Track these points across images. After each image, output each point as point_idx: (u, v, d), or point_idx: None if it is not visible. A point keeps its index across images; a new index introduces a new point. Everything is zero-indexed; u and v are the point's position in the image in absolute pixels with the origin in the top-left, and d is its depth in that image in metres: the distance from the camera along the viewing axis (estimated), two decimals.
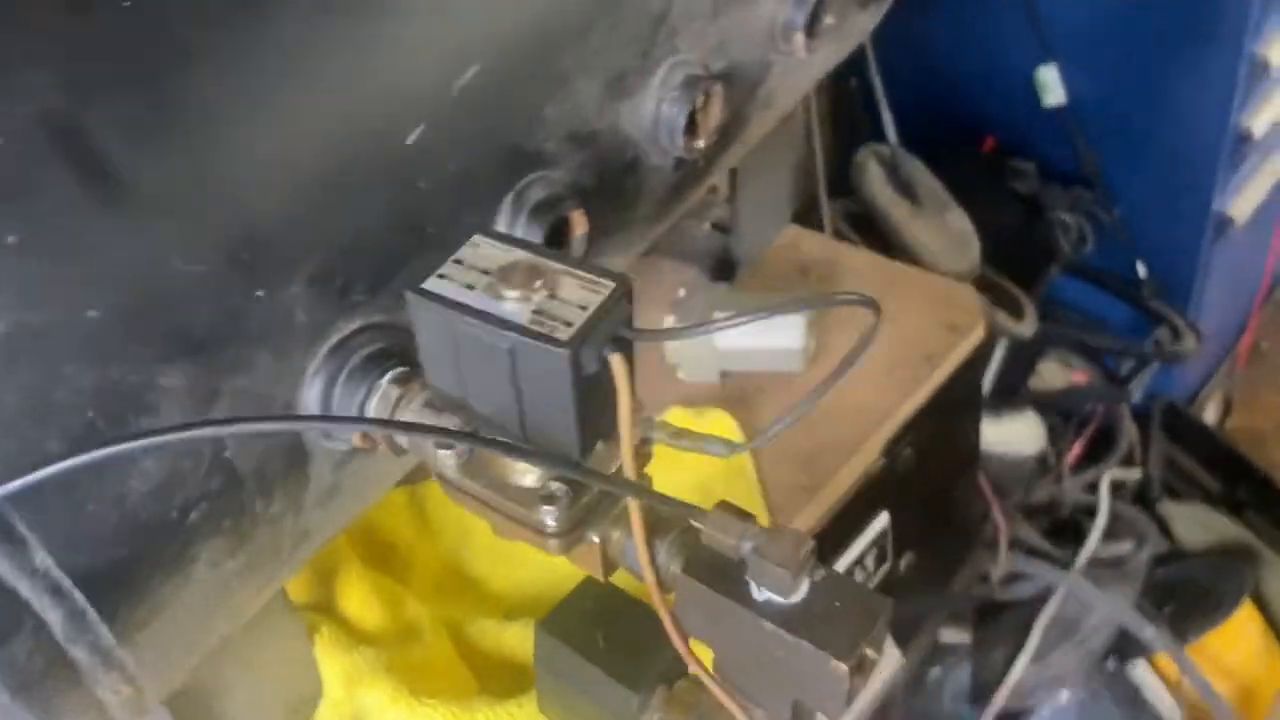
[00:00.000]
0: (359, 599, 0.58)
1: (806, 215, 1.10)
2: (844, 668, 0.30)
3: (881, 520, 0.70)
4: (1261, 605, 1.48)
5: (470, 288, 0.31)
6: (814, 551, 0.32)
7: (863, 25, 0.63)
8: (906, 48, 1.06)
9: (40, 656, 0.34)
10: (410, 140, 0.41)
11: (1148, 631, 1.36)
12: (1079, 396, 1.53)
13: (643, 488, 0.32)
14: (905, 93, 1.15)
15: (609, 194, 0.50)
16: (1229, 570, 1.45)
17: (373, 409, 0.38)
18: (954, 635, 1.25)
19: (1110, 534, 1.47)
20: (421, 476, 0.65)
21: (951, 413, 0.73)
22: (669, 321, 0.70)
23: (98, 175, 0.34)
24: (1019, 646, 1.38)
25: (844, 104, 1.23)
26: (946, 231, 1.01)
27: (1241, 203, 1.47)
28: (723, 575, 0.33)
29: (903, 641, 0.84)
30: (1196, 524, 1.57)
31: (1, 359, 0.31)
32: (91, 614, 0.34)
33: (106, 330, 0.33)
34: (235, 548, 0.39)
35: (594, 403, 0.31)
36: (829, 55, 0.61)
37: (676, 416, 0.65)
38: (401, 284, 0.41)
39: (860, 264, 0.78)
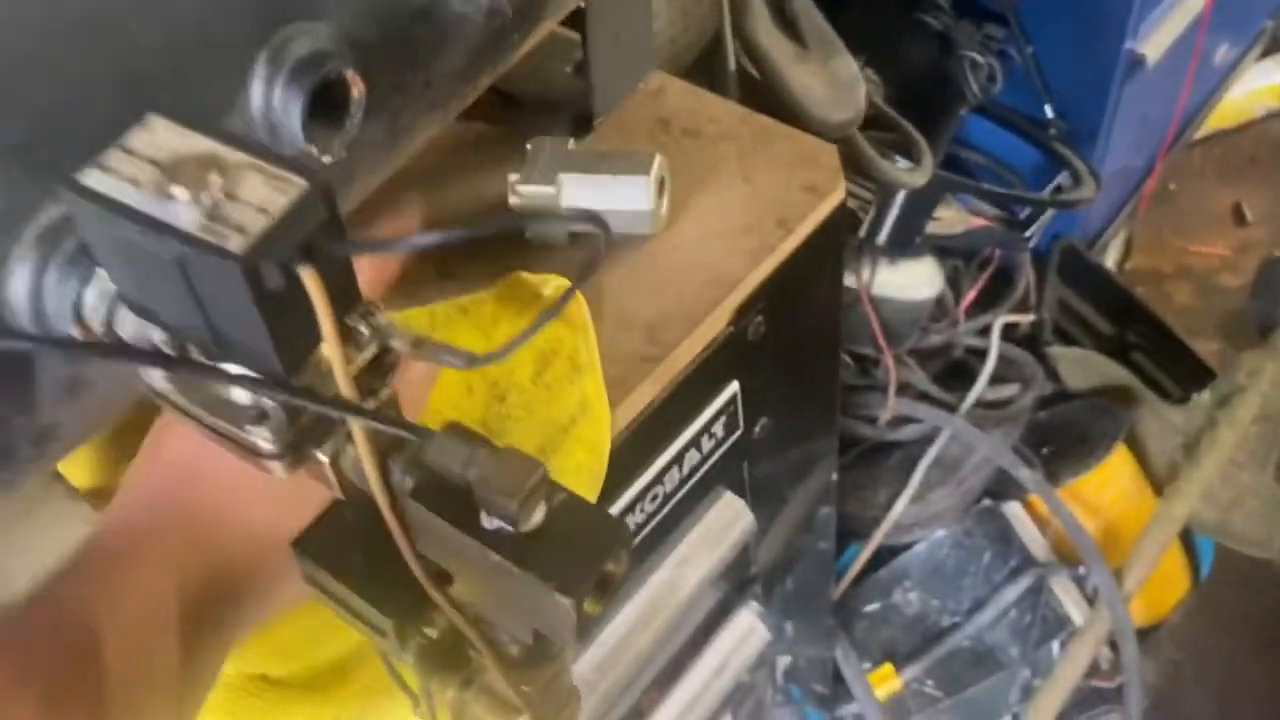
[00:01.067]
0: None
1: (712, 50, 1.03)
2: (569, 601, 0.28)
3: (730, 389, 0.68)
4: (1136, 447, 1.54)
5: (135, 183, 0.27)
6: (545, 478, 0.29)
7: None
8: None
9: None
10: None
11: (1023, 473, 1.41)
12: (977, 240, 1.53)
13: (358, 408, 0.29)
14: None
15: (398, 49, 0.44)
16: (1107, 414, 1.50)
17: (89, 302, 0.34)
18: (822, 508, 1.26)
19: (998, 377, 1.50)
20: None
21: (809, 279, 0.70)
22: (513, 179, 0.65)
23: None
24: (902, 486, 1.43)
25: None
26: (832, 77, 0.95)
27: (1155, 41, 1.44)
28: (454, 501, 0.30)
29: (766, 515, 0.84)
30: (1082, 368, 1.60)
31: None
32: None
33: None
34: None
35: (292, 318, 0.27)
36: None
37: (517, 282, 0.61)
38: None
39: (725, 116, 0.73)
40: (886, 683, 1.34)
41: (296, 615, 0.50)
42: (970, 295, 1.55)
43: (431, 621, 0.38)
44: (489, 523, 0.29)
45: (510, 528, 0.29)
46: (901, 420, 1.46)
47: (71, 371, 0.38)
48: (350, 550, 0.38)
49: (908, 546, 1.43)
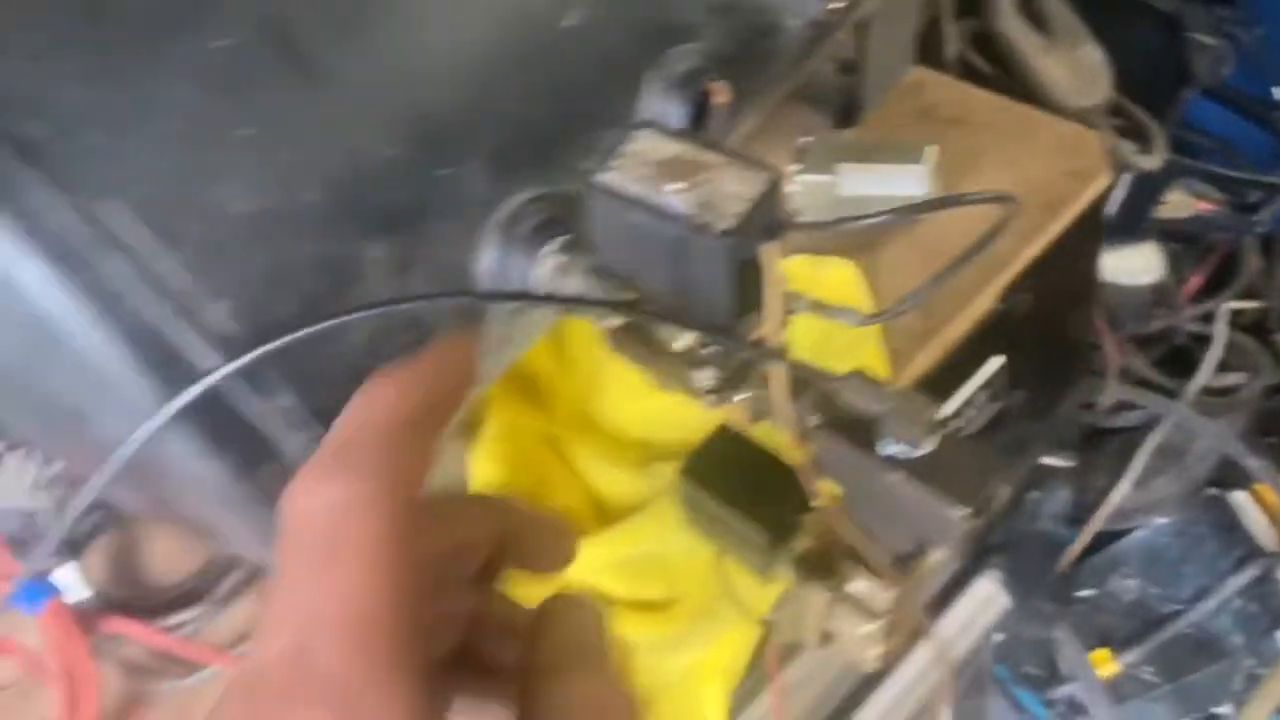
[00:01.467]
0: (505, 433, 0.65)
1: (926, 38, 1.07)
2: (960, 514, 0.35)
3: (996, 363, 0.73)
4: None
5: (637, 180, 0.35)
6: (937, 414, 0.36)
7: None
8: None
9: (286, 475, 0.41)
10: (564, 23, 0.44)
11: (1251, 461, 1.38)
12: (1203, 225, 1.50)
13: (786, 357, 0.37)
14: None
15: (748, 61, 0.52)
16: None
17: (541, 273, 0.43)
18: (1055, 459, 1.29)
19: (1224, 365, 1.47)
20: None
21: (1070, 259, 0.75)
22: (792, 170, 0.72)
23: (306, 70, 0.38)
24: (1122, 472, 1.42)
25: None
26: (1077, 65, 0.98)
27: None
28: (856, 431, 0.37)
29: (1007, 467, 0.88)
30: None
31: (248, 238, 0.37)
32: None
33: (323, 210, 0.39)
34: None
35: (746, 283, 0.35)
36: None
37: (799, 264, 0.68)
38: (562, 158, 0.45)
39: (984, 106, 0.78)
40: (1104, 666, 1.35)
41: (633, 539, 0.59)
42: (1195, 281, 1.52)
43: (795, 541, 0.45)
44: (887, 449, 0.37)
45: (907, 454, 0.36)
46: (1121, 406, 1.45)
47: (503, 332, 0.48)
48: (728, 478, 0.46)
49: (1126, 532, 1.43)
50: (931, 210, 0.48)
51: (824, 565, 0.43)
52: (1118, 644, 1.37)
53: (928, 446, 0.36)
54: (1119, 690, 1.36)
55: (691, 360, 0.38)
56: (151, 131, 0.36)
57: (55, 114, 0.35)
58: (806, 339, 0.51)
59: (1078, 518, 1.41)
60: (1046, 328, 0.77)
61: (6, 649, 0.63)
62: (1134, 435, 1.46)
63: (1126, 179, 1.34)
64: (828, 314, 0.39)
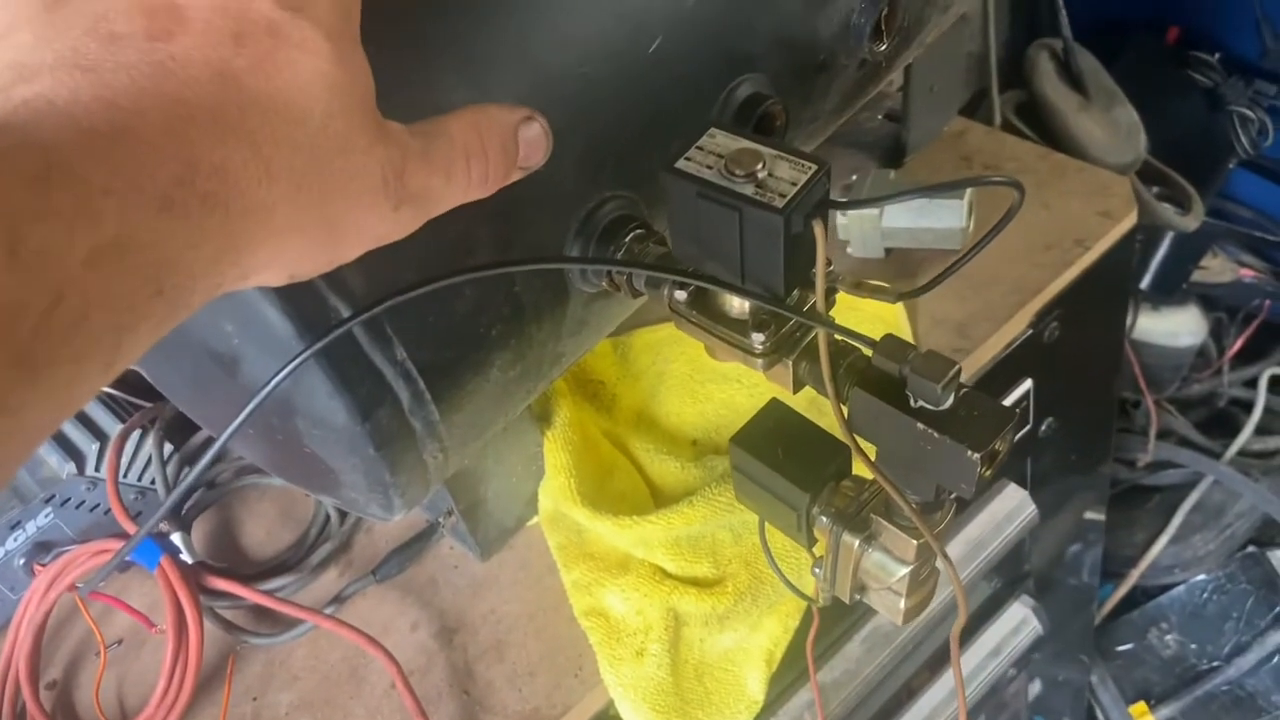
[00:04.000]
0: (573, 423, 0.72)
1: (977, 104, 1.15)
2: (976, 456, 0.41)
3: (1025, 385, 0.79)
4: None
5: (709, 168, 0.42)
6: (958, 372, 0.42)
7: None
8: None
9: (395, 423, 0.48)
10: (651, 50, 0.51)
11: None
12: (1244, 291, 1.54)
13: (829, 320, 0.43)
14: None
15: (803, 91, 0.60)
16: None
17: (616, 258, 0.50)
18: (1093, 514, 1.32)
19: (1264, 428, 1.50)
20: (625, 329, 0.78)
21: (1098, 294, 0.80)
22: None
23: (431, 82, 0.46)
24: (1161, 529, 1.45)
25: None
26: (1113, 125, 1.05)
27: None
28: (887, 389, 0.43)
29: (1048, 514, 0.93)
30: None
31: None
32: (427, 395, 0.48)
33: None
34: (515, 360, 0.52)
35: (797, 256, 0.42)
36: None
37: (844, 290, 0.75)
38: (639, 164, 0.53)
39: (1022, 154, 0.85)
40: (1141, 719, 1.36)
41: (685, 520, 0.65)
42: (1236, 345, 1.56)
43: (833, 499, 0.51)
44: (914, 403, 0.43)
45: (931, 407, 0.42)
46: (1161, 464, 1.48)
47: (582, 315, 0.55)
48: (774, 446, 0.52)
49: (1165, 588, 1.45)
50: (946, 190, 0.54)
51: (856, 520, 0.49)
52: (1155, 698, 1.38)
53: (947, 401, 0.42)
54: None
55: (747, 326, 0.45)
56: None
57: None
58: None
59: (1117, 572, 1.44)
60: (1075, 361, 0.82)
61: (119, 604, 0.70)
62: (1174, 493, 1.48)
63: (1166, 240, 1.39)
64: (865, 291, 0.46)
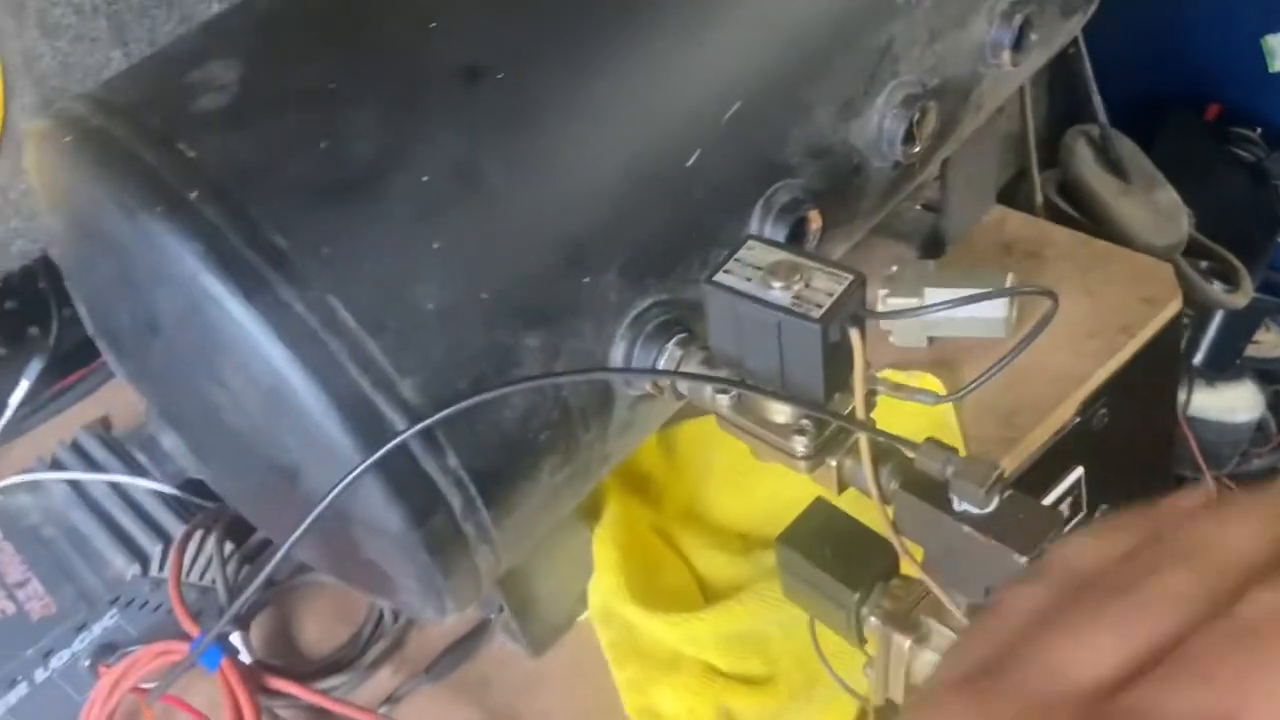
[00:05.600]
0: (621, 519, 0.72)
1: (1017, 186, 1.16)
2: (1024, 560, 0.41)
3: (1075, 474, 0.78)
4: None
5: (748, 279, 0.44)
6: (1002, 475, 0.42)
7: (1067, 32, 0.71)
8: (1131, 24, 1.09)
9: (448, 529, 0.49)
10: (689, 163, 0.54)
11: None
12: None
13: (870, 425, 0.44)
14: (1128, 60, 1.18)
15: (838, 195, 0.61)
16: None
17: (662, 365, 0.52)
18: None
19: None
20: (673, 423, 0.79)
21: (1147, 380, 0.80)
22: (882, 294, 0.81)
23: (486, 198, 0.49)
24: None
25: (1061, 75, 1.28)
26: (1154, 207, 1.05)
27: None
28: (931, 492, 0.44)
29: None
30: None
31: (435, 328, 0.47)
32: (479, 501, 0.50)
33: (493, 307, 0.48)
34: (564, 463, 0.54)
35: (836, 362, 0.43)
36: (1035, 61, 0.70)
37: (889, 376, 0.76)
38: (681, 270, 0.55)
39: (1062, 241, 0.85)
40: None
41: (735, 616, 0.65)
42: None
43: (882, 599, 0.51)
44: (958, 506, 0.43)
45: (975, 510, 0.43)
46: None
47: (628, 416, 0.56)
48: (821, 545, 0.53)
49: None
50: (977, 302, 0.55)
51: (907, 621, 0.49)
52: None
53: (991, 504, 0.43)
54: None
55: (790, 430, 0.46)
56: (367, 244, 0.47)
57: (297, 231, 0.46)
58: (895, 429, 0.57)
59: None
60: (1126, 448, 0.82)
61: (180, 704, 0.71)
62: None
63: (1217, 317, 1.38)
64: (905, 394, 0.47)
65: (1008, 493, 0.43)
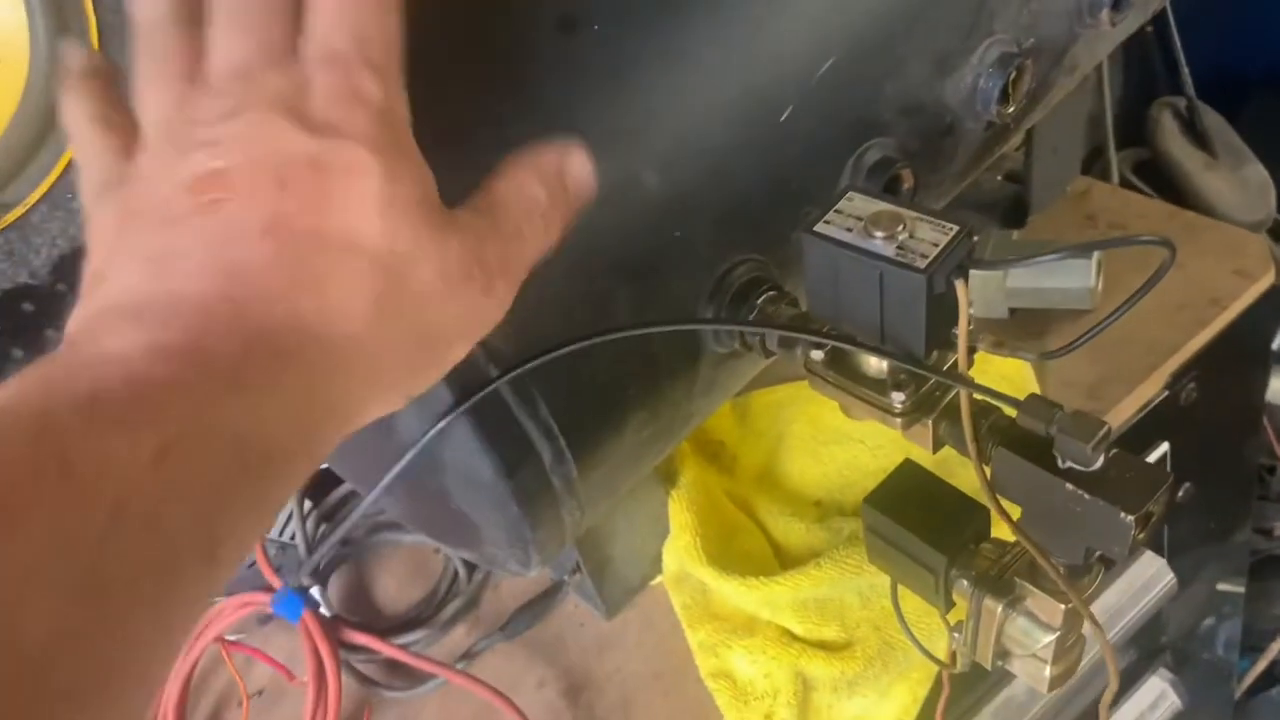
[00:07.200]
0: (697, 483, 0.72)
1: (1092, 164, 1.13)
2: (1131, 518, 0.40)
3: (1162, 448, 0.76)
4: None
5: (849, 230, 0.43)
6: (1109, 432, 0.41)
7: None
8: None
9: (537, 480, 0.49)
10: (782, 119, 0.53)
11: None
12: None
13: (972, 380, 0.43)
14: (1210, 41, 1.15)
15: (930, 154, 0.60)
16: None
17: (751, 320, 0.51)
18: (1229, 585, 1.26)
19: None
20: (744, 391, 0.79)
21: (1236, 355, 0.78)
22: None
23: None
24: None
25: (1138, 52, 1.24)
26: (1242, 183, 1.02)
27: None
28: (1033, 450, 0.43)
29: (1185, 583, 0.89)
30: None
31: (529, 278, 0.47)
32: (568, 454, 0.50)
33: (585, 255, 0.48)
34: (650, 420, 0.53)
35: (938, 316, 0.42)
36: (1132, 23, 0.68)
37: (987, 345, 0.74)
38: (770, 228, 0.54)
39: (1150, 212, 0.83)
40: None
41: (813, 582, 0.65)
42: None
43: (971, 561, 0.50)
44: (1062, 464, 0.42)
45: (1081, 468, 0.42)
46: None
47: (712, 375, 0.56)
48: (909, 507, 0.52)
49: None
50: (1096, 249, 0.54)
51: (999, 584, 0.48)
52: None
53: (1097, 462, 0.41)
54: None
55: (886, 387, 0.45)
56: (461, 191, 0.47)
57: None
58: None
59: (1255, 645, 1.36)
60: (1212, 425, 0.80)
61: (261, 655, 0.72)
62: None
63: None
64: (1008, 351, 0.46)
65: (1113, 451, 0.42)
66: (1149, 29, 1.23)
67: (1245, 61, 1.37)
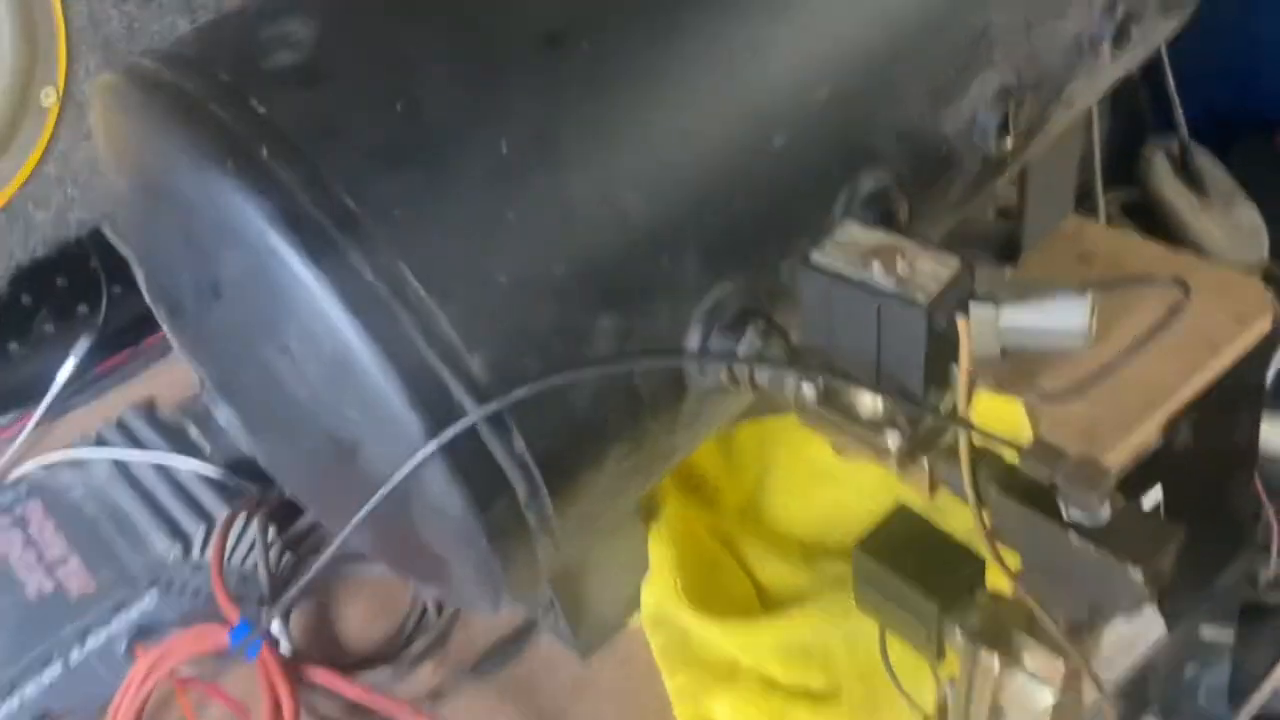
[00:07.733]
0: (678, 518, 0.70)
1: (1079, 204, 1.12)
2: (1141, 571, 0.38)
3: (1154, 494, 0.74)
4: None
5: (846, 261, 0.41)
6: (1114, 484, 0.39)
7: (1165, 30, 0.68)
8: (1204, 40, 1.06)
9: (510, 515, 0.47)
10: (776, 145, 0.51)
11: None
12: None
13: (972, 423, 0.41)
14: (1199, 83, 1.14)
15: (924, 186, 0.58)
16: None
17: (739, 354, 0.49)
18: (1215, 633, 1.24)
19: None
20: (732, 424, 0.76)
21: (1232, 401, 0.76)
22: None
23: (564, 169, 0.46)
24: None
25: (1125, 92, 1.24)
26: (1234, 224, 1.01)
27: None
28: (1034, 498, 0.41)
29: (1172, 630, 0.87)
30: None
31: (506, 301, 0.44)
32: (543, 489, 0.47)
33: (567, 282, 0.46)
34: (630, 453, 0.51)
35: (938, 354, 0.40)
36: (1132, 59, 0.67)
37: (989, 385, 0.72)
38: (761, 256, 0.52)
39: (1144, 254, 0.82)
40: None
41: (797, 627, 0.62)
42: None
43: (966, 614, 0.48)
44: (1067, 514, 0.40)
45: (1086, 519, 0.39)
46: None
47: (697, 409, 0.53)
48: (902, 553, 0.49)
49: None
50: (1105, 288, 0.52)
51: (996, 637, 0.46)
52: None
53: (1105, 512, 0.39)
54: None
55: (880, 424, 0.43)
56: (439, 211, 0.44)
57: (369, 193, 0.44)
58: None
59: (1236, 695, 1.33)
60: (1206, 471, 0.78)
61: (216, 692, 0.69)
62: None
63: None
64: (1009, 391, 0.43)
65: (1120, 503, 0.40)
66: (1136, 71, 1.22)
67: (1229, 108, 1.37)
